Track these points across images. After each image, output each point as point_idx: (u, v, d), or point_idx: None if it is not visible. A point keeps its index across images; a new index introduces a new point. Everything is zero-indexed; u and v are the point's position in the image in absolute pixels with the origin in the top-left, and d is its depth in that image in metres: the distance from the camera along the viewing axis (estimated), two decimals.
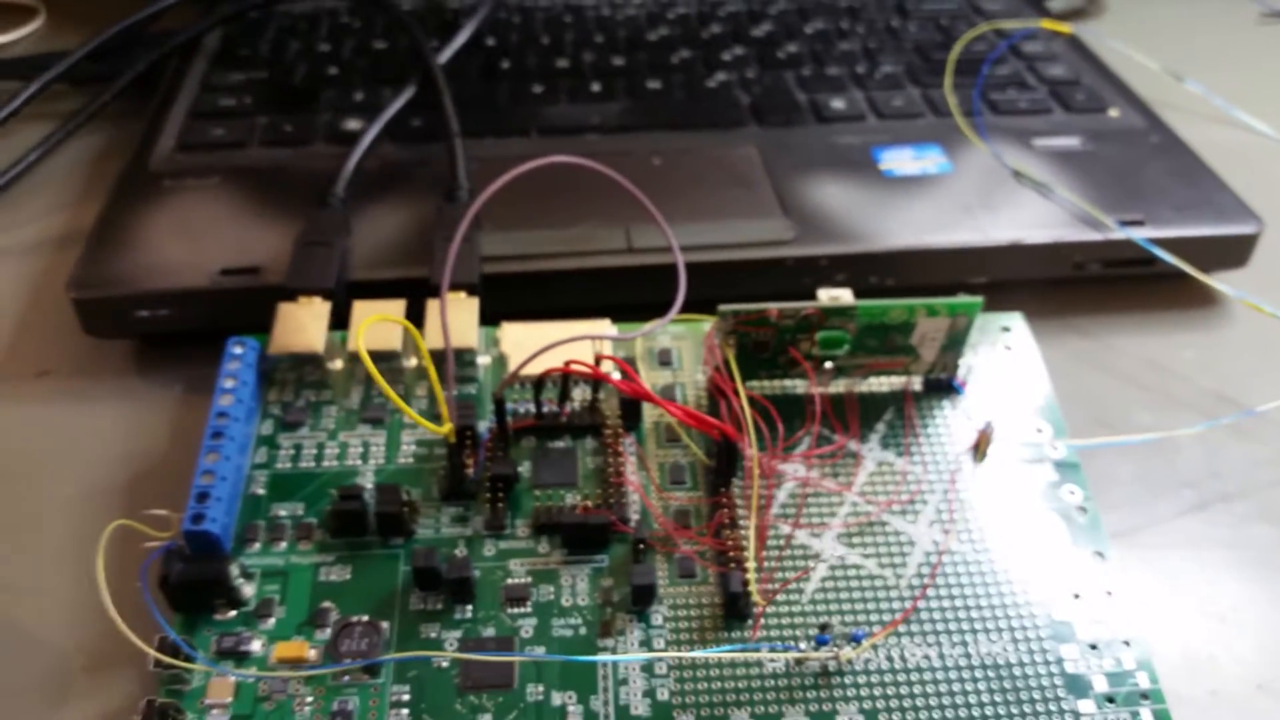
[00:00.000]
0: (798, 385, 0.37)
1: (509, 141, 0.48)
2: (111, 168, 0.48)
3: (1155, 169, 0.47)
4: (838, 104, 0.51)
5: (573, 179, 0.41)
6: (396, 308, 0.37)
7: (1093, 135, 0.50)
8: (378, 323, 0.37)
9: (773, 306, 0.35)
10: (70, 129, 0.52)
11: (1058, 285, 0.45)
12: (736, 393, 0.34)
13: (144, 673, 0.30)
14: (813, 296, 0.38)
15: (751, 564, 0.31)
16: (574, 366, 0.33)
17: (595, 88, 0.51)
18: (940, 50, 0.56)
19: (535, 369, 0.34)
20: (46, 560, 0.34)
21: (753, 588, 0.31)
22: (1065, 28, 0.59)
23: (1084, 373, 0.41)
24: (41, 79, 0.51)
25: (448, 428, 0.32)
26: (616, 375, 0.34)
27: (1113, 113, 0.52)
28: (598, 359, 0.34)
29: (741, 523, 0.33)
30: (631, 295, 0.41)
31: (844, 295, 0.36)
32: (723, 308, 0.35)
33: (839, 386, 0.37)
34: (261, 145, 0.47)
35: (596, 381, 0.36)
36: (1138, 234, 0.44)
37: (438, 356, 0.35)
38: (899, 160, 0.47)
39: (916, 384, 0.38)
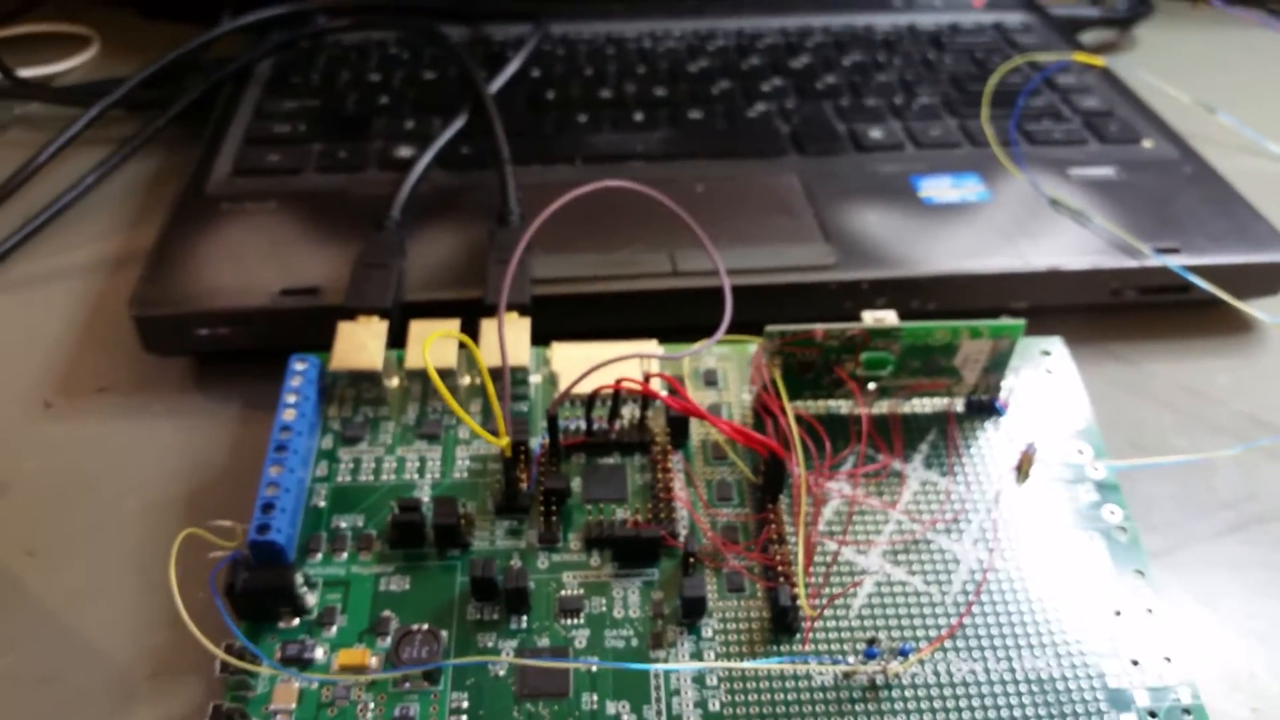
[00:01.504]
0: (841, 406, 0.38)
1: (555, 169, 0.49)
2: (167, 192, 0.50)
3: (1189, 198, 0.48)
4: (876, 134, 0.52)
5: (618, 204, 0.42)
6: (452, 327, 0.38)
7: (1127, 165, 0.51)
8: (435, 341, 0.37)
9: (818, 327, 0.36)
10: (126, 153, 0.54)
11: (1095, 311, 0.46)
12: (783, 411, 0.34)
13: (208, 680, 0.31)
14: (855, 319, 0.38)
15: (801, 578, 0.32)
16: (625, 384, 0.34)
17: (638, 117, 0.53)
18: (976, 82, 0.57)
19: (587, 386, 0.35)
20: (110, 570, 0.35)
21: (802, 601, 0.32)
22: (1099, 60, 0.60)
23: (1121, 397, 0.42)
24: (99, 105, 0.53)
25: (505, 441, 0.33)
26: (665, 393, 0.34)
27: (1146, 144, 0.53)
28: (647, 377, 0.35)
29: (789, 539, 0.34)
30: (676, 317, 0.42)
31: (888, 317, 0.36)
32: (769, 328, 0.35)
33: (882, 407, 0.38)
34: (317, 171, 0.48)
35: (645, 399, 0.37)
36: (1173, 261, 0.44)
37: (493, 374, 0.36)
38: (938, 188, 0.48)
39: (959, 405, 0.38)
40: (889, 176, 0.49)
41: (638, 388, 0.34)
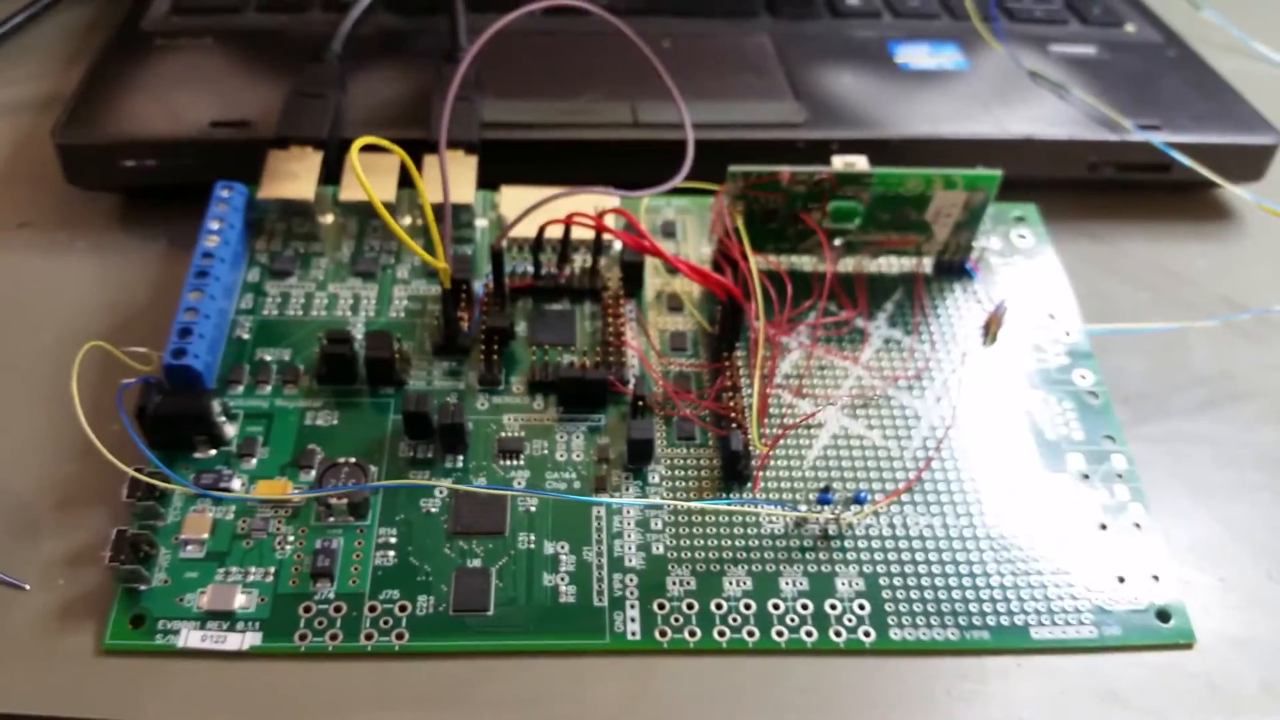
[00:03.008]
0: (805, 262, 0.36)
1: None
2: (102, 36, 0.47)
3: (1172, 80, 0.46)
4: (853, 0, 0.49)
5: (577, 50, 0.40)
6: (392, 162, 0.35)
7: (1109, 46, 0.49)
8: (371, 178, 0.35)
9: (785, 169, 0.34)
10: None
11: (1071, 188, 0.44)
12: (744, 256, 0.32)
13: (115, 510, 0.29)
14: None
15: (755, 426, 0.30)
16: (577, 219, 0.31)
17: None
18: None
19: (535, 225, 0.33)
20: (18, 402, 0.33)
21: (755, 443, 0.30)
22: None
23: (1095, 275, 0.40)
24: None
25: (444, 266, 0.30)
26: (625, 233, 0.32)
27: (1129, 28, 0.51)
28: (601, 214, 0.33)
29: (744, 388, 0.32)
30: (635, 171, 0.40)
31: (859, 162, 0.34)
32: (733, 168, 0.33)
33: (848, 265, 0.36)
34: (257, 11, 0.45)
35: (598, 245, 0.35)
36: (1156, 138, 0.42)
37: (436, 211, 0.34)
38: (915, 55, 0.46)
39: (927, 265, 0.36)
40: (865, 41, 0.46)
41: (591, 224, 0.32)
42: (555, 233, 0.34)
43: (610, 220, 0.34)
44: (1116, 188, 0.44)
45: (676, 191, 0.34)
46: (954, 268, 0.36)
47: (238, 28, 0.44)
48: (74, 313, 0.36)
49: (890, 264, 0.36)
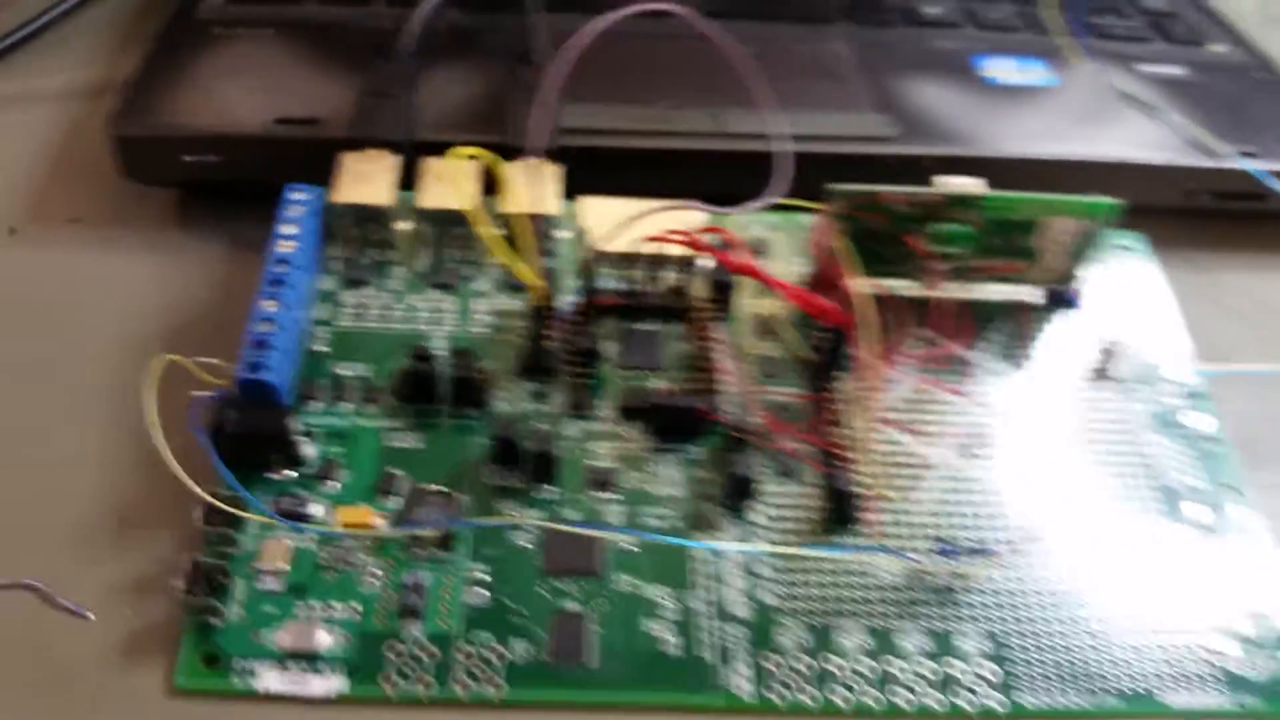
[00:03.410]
0: (904, 287, 0.34)
1: (583, 19, 0.44)
2: (154, 20, 0.44)
3: (1264, 104, 0.44)
4: (932, 9, 0.47)
5: (655, 54, 0.38)
6: (469, 167, 0.33)
7: (1196, 67, 0.47)
8: (449, 185, 0.33)
9: (894, 190, 0.31)
10: None
11: (1165, 214, 0.42)
12: (851, 282, 0.30)
13: (183, 533, 0.27)
14: None
15: (863, 464, 0.28)
16: (674, 238, 0.29)
17: None
18: None
19: (627, 242, 0.31)
20: (76, 411, 0.31)
21: (864, 482, 0.28)
22: None
23: (1197, 306, 0.38)
24: None
25: (541, 284, 0.28)
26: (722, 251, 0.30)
27: (1214, 48, 0.49)
28: (697, 232, 0.31)
29: (848, 422, 0.30)
30: (716, 182, 0.38)
31: (973, 184, 0.32)
32: (835, 187, 0.32)
33: (952, 289, 0.34)
34: (319, 1, 0.43)
35: (688, 263, 0.33)
36: (1253, 165, 0.40)
37: (519, 222, 0.32)
38: (1002, 69, 0.44)
39: (1034, 293, 0.34)
40: (948, 53, 0.45)
41: (687, 242, 0.30)
42: (641, 246, 0.32)
43: (707, 235, 0.32)
44: (1213, 215, 0.42)
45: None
46: (1060, 298, 0.35)
47: (299, 19, 0.42)
48: (130, 316, 0.34)
49: (994, 290, 0.34)
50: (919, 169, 0.38)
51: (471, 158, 0.32)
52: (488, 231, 0.27)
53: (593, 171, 0.37)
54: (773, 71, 0.39)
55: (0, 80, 0.44)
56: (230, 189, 0.37)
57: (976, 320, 0.34)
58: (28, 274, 0.35)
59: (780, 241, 0.36)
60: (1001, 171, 0.39)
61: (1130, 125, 0.42)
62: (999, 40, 0.46)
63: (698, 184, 0.37)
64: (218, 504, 0.26)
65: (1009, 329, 0.34)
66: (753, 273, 0.29)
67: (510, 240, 0.32)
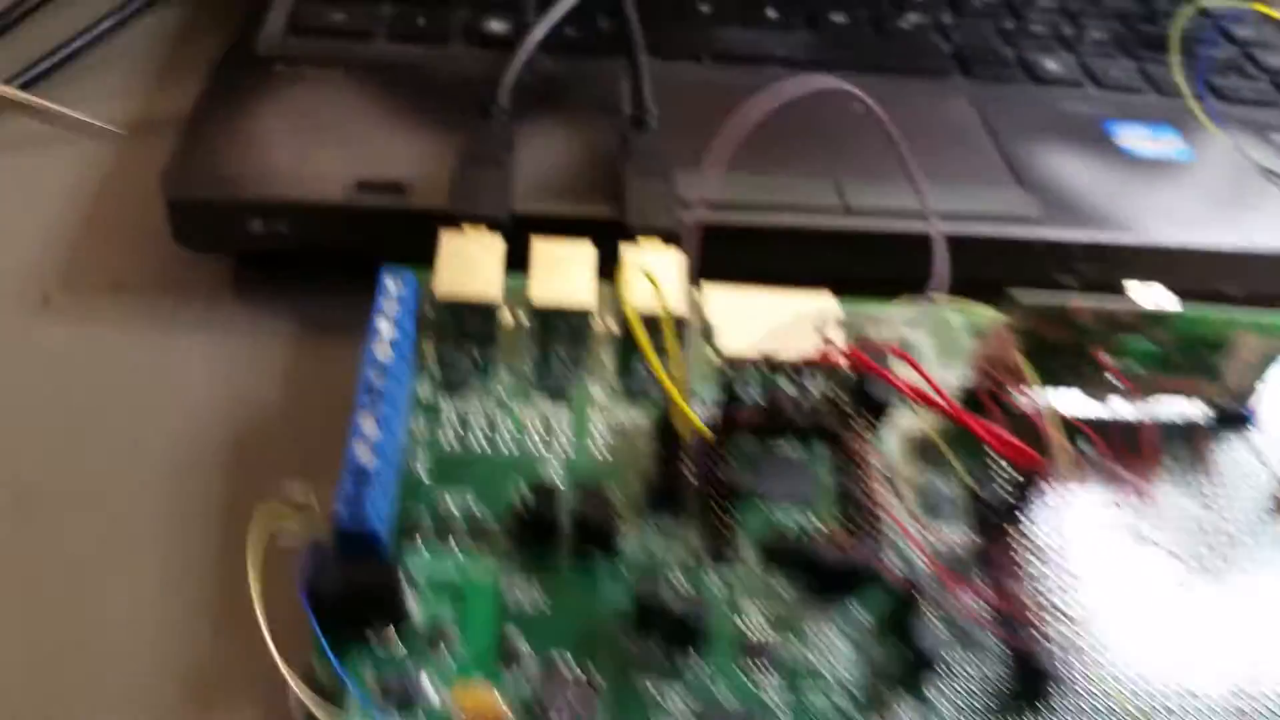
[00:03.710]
0: (1075, 402, 0.30)
1: (679, 66, 0.40)
2: (198, 48, 0.40)
3: None
4: (1051, 65, 0.43)
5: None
6: (586, 254, 0.29)
7: None
8: (556, 270, 0.29)
9: (1081, 303, 0.27)
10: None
11: None
12: (1043, 414, 0.26)
13: (267, 709, 0.22)
14: (1055, 286, 0.32)
15: (1062, 627, 0.24)
16: (853, 356, 0.25)
17: (770, 13, 0.43)
18: (1144, 22, 0.48)
19: (754, 338, 0.28)
20: (126, 534, 0.27)
21: (1062, 651, 0.24)
22: (1276, 13, 0.52)
23: None
24: None
25: (708, 434, 0.24)
26: (911, 377, 0.26)
27: None
28: (868, 349, 0.27)
29: (1037, 575, 0.26)
30: (840, 265, 0.34)
31: (1164, 298, 0.28)
32: (1017, 296, 0.27)
33: (1125, 408, 0.30)
34: (389, 39, 0.39)
35: (831, 371, 0.28)
36: None
37: (645, 322, 0.28)
38: (1136, 138, 0.40)
39: (1208, 412, 0.30)
40: (1077, 117, 0.41)
41: (848, 360, 0.25)
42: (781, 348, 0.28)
43: (835, 331, 0.28)
44: None
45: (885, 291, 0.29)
46: (1235, 416, 0.30)
47: (369, 59, 0.37)
48: (186, 407, 0.30)
49: (1169, 408, 0.30)
50: (1064, 256, 0.34)
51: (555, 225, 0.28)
52: (652, 356, 0.22)
53: (705, 248, 0.32)
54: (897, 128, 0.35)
55: (26, 115, 0.38)
56: (293, 255, 0.32)
57: (1156, 441, 0.29)
58: (66, 354, 0.30)
59: (924, 341, 0.31)
60: (1147, 261, 0.35)
61: (1276, 208, 0.38)
62: (1124, 103, 0.42)
63: (817, 265, 0.33)
64: (307, 697, 0.21)
65: (1184, 450, 0.30)
66: (940, 406, 0.25)
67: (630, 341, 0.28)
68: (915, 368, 0.26)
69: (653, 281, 0.25)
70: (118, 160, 0.37)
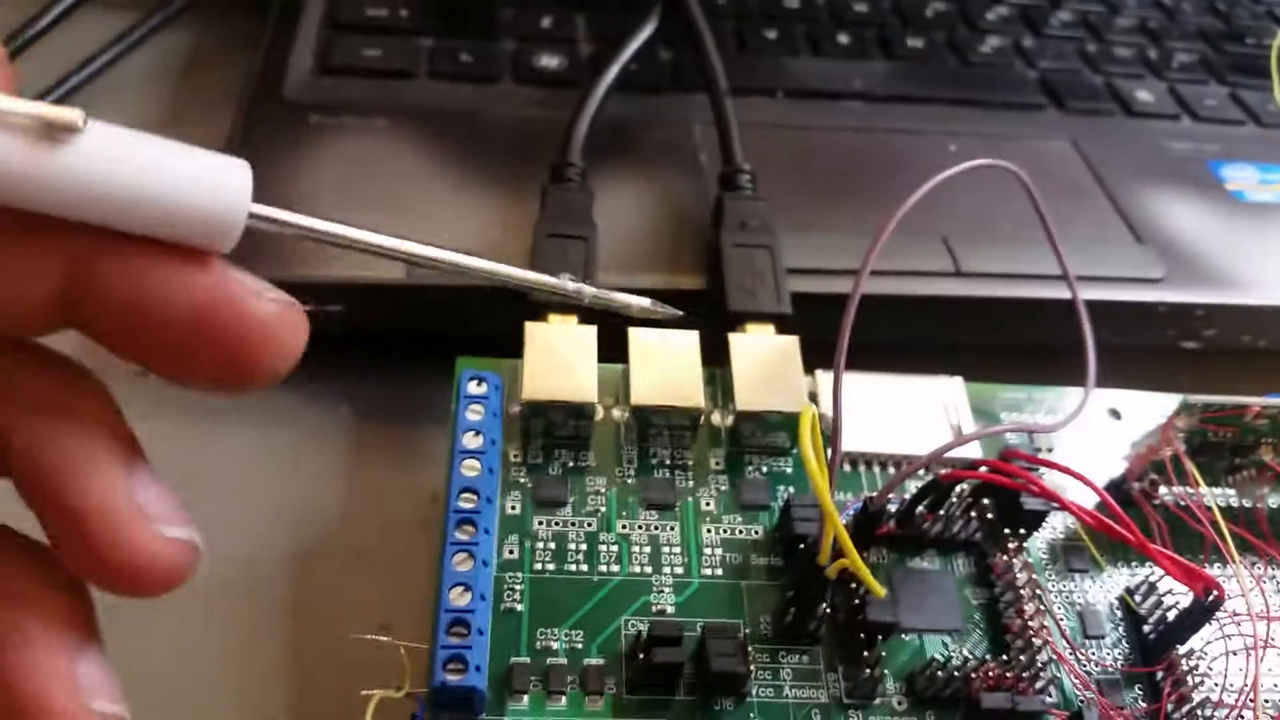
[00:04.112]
0: (1217, 494, 0.27)
1: (751, 102, 0.37)
2: (206, 79, 0.39)
3: None
4: (1144, 95, 0.40)
5: (851, 162, 0.31)
6: (691, 344, 0.26)
7: None
8: (661, 364, 0.25)
9: (1255, 402, 0.24)
10: (155, 24, 0.39)
11: None
12: (1216, 530, 0.23)
13: None
14: (1172, 352, 0.33)
15: None
16: (1021, 472, 0.22)
17: (842, 39, 0.40)
18: (1229, 40, 0.45)
19: (915, 448, 0.26)
20: (195, 640, 0.24)
21: None
22: None
23: None
24: None
25: (880, 591, 0.21)
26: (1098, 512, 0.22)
27: None
28: (1018, 454, 0.24)
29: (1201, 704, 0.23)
30: (953, 330, 0.31)
31: None
32: (1190, 400, 0.24)
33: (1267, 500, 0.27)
34: (432, 77, 0.35)
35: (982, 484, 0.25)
36: None
37: (745, 418, 0.24)
38: (1245, 181, 0.37)
39: None
40: (1180, 156, 0.37)
41: (1004, 481, 0.22)
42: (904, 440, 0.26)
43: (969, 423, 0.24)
44: None
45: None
46: None
47: (413, 102, 0.34)
48: (237, 516, 0.26)
49: None
50: (1188, 319, 0.31)
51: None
52: (809, 456, 0.19)
53: (805, 315, 0.29)
54: (995, 181, 0.32)
55: None
56: (354, 338, 0.29)
57: None
58: None
59: (1066, 436, 0.28)
60: (1271, 323, 0.32)
61: None
62: (1225, 138, 0.39)
63: (927, 332, 0.30)
64: None
65: None
66: (1124, 536, 0.21)
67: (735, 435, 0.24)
68: (1083, 480, 0.23)
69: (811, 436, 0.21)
70: None
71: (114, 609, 0.21)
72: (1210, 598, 0.23)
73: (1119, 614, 0.25)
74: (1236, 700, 0.23)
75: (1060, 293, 0.29)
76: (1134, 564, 0.26)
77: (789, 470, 0.26)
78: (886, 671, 0.23)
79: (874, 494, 0.24)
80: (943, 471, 0.24)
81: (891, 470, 0.26)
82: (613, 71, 0.33)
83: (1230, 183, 0.37)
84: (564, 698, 0.22)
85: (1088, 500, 0.23)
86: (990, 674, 0.23)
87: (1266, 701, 0.24)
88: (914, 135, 0.36)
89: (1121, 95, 0.40)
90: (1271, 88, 0.41)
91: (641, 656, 0.22)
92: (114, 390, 0.21)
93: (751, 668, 0.23)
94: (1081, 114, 0.39)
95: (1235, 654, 0.24)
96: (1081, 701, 0.23)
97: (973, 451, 0.26)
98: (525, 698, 0.22)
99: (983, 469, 0.24)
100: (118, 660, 0.21)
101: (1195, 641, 0.24)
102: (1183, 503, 0.25)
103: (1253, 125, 0.41)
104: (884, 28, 0.42)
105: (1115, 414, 0.28)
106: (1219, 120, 0.40)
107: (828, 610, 0.23)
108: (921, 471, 0.25)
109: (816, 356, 0.27)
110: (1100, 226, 0.33)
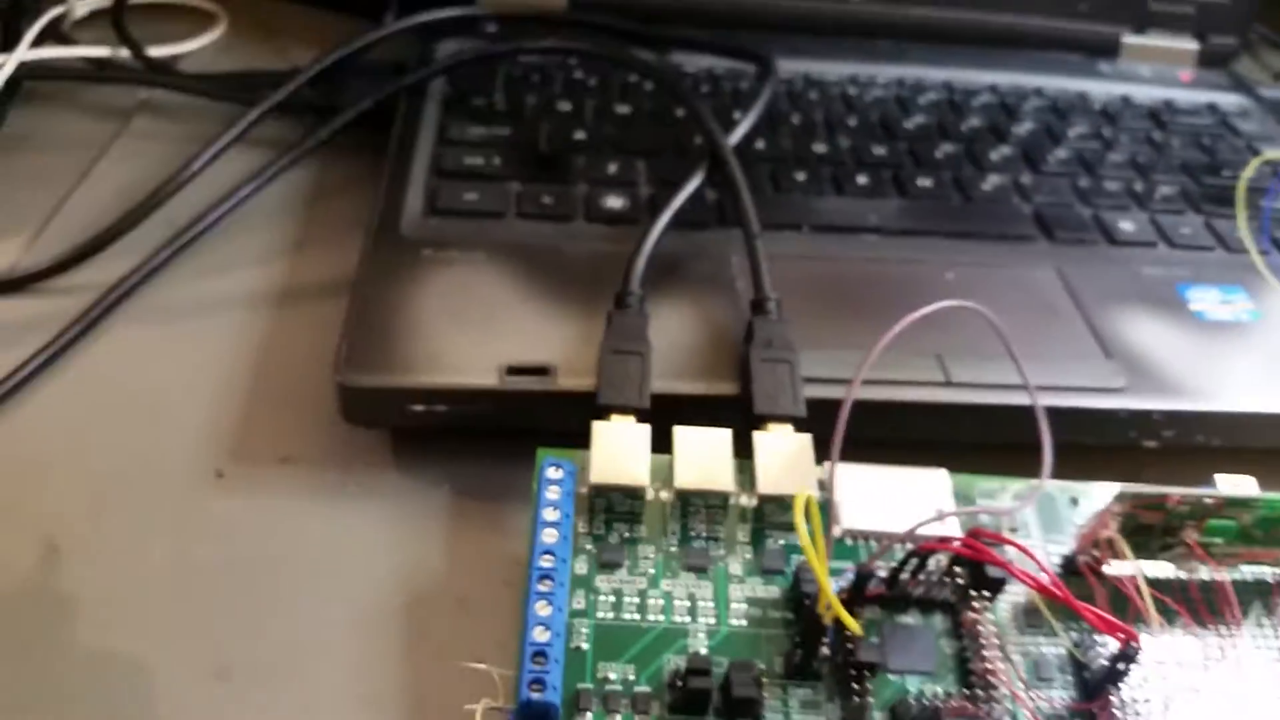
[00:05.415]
0: (1157, 568, 0.33)
1: (781, 236, 0.44)
2: (327, 211, 0.47)
3: None
4: (1126, 225, 0.47)
5: (855, 279, 0.38)
6: (723, 440, 0.33)
7: None
8: (699, 455, 0.32)
9: (1174, 492, 0.31)
10: (285, 164, 0.47)
11: None
12: (1139, 592, 0.29)
13: None
14: (1136, 450, 0.38)
15: None
16: (981, 550, 0.29)
17: (861, 180, 0.47)
18: (1208, 173, 0.52)
19: (904, 526, 0.31)
20: (311, 705, 0.30)
21: None
22: None
23: None
24: (262, 105, 0.47)
25: (856, 628, 0.27)
26: (1043, 578, 0.29)
27: None
28: (984, 533, 0.30)
29: None
30: (943, 431, 0.38)
31: (1245, 484, 0.31)
32: (1125, 490, 0.31)
33: (1211, 575, 0.33)
34: (520, 217, 0.43)
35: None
36: None
37: (768, 501, 0.31)
38: (1208, 302, 0.43)
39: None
40: (1154, 281, 0.44)
41: (997, 561, 0.29)
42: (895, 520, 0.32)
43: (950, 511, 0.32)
44: None
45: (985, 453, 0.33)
46: None
47: (505, 240, 0.41)
48: (359, 577, 0.33)
49: (1248, 573, 0.33)
50: (1146, 423, 0.37)
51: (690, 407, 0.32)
52: (803, 531, 0.26)
53: (814, 418, 0.36)
54: (986, 304, 0.38)
55: (174, 282, 0.43)
56: (453, 431, 0.36)
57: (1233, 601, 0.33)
58: (247, 521, 0.35)
59: (1031, 517, 0.35)
60: (1224, 426, 0.38)
61: None
62: (1196, 262, 0.46)
63: (919, 432, 0.36)
64: None
65: (1261, 609, 0.33)
66: (1054, 594, 0.28)
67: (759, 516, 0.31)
68: (1029, 555, 0.29)
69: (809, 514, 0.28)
70: (271, 330, 0.42)
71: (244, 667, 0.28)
72: (1130, 647, 0.29)
73: (1069, 664, 0.31)
74: None
75: (1018, 399, 0.36)
76: (1081, 624, 0.32)
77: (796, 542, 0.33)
78: (873, 701, 0.30)
79: (865, 561, 0.31)
80: (922, 544, 0.30)
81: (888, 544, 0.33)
82: (666, 217, 0.40)
83: (1193, 303, 0.43)
84: (619, 716, 0.29)
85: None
86: (955, 706, 0.29)
87: None
88: (918, 264, 0.43)
89: (1106, 226, 0.47)
90: (1236, 218, 0.48)
91: (680, 684, 0.29)
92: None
93: (764, 695, 0.29)
94: (1068, 243, 0.46)
95: (1152, 700, 0.30)
96: None
97: (951, 530, 0.32)
98: (589, 714, 0.29)
99: (955, 543, 0.30)
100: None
101: (1133, 691, 0.30)
102: (1117, 574, 0.31)
103: (1221, 250, 0.47)
104: (899, 169, 0.49)
105: (1074, 501, 0.35)
106: (1192, 247, 0.47)
107: (827, 653, 0.30)
108: (909, 545, 0.32)
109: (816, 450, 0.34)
110: (1074, 344, 0.40)
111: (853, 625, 0.27)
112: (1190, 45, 0.63)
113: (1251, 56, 0.71)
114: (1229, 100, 0.60)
